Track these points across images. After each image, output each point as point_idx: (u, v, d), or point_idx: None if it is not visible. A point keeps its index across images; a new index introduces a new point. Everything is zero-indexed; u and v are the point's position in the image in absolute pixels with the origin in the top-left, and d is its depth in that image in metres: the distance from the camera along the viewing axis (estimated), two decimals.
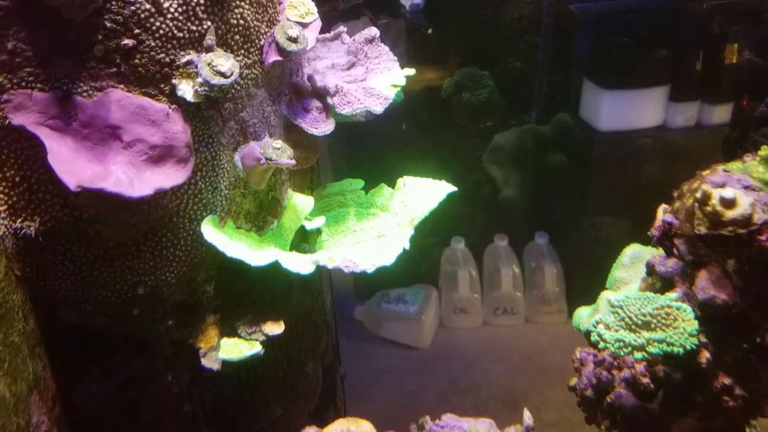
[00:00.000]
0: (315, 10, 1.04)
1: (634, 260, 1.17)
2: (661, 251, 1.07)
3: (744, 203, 0.90)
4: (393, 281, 2.50)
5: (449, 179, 1.19)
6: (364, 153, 2.36)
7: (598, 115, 2.23)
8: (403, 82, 1.10)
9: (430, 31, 2.43)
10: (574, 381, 1.12)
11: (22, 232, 0.86)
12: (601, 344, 0.97)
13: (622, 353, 0.96)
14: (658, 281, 1.05)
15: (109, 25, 0.82)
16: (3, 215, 0.84)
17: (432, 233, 2.53)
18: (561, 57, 2.42)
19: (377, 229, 1.11)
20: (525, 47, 2.43)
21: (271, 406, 1.16)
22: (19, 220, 0.85)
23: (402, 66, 1.17)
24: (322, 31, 1.14)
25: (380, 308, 2.41)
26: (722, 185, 0.93)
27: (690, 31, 2.10)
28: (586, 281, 1.52)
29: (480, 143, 2.52)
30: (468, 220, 2.51)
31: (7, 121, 0.81)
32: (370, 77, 1.10)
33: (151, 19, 0.85)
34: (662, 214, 1.04)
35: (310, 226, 1.09)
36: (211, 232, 0.95)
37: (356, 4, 1.93)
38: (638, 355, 0.95)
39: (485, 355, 2.31)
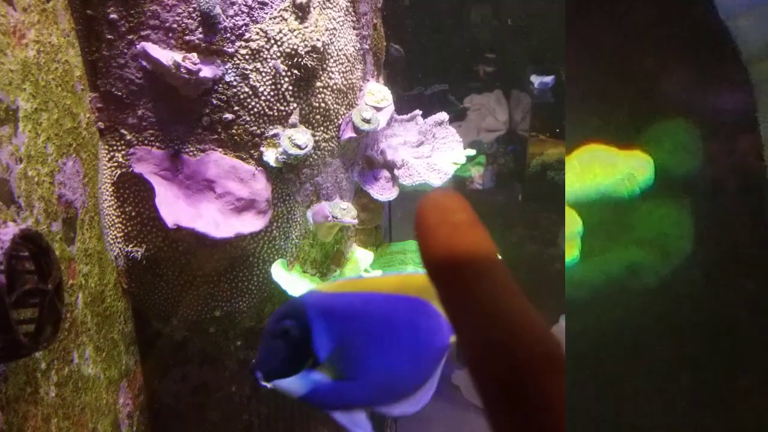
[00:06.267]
0: (390, 97, 1.21)
1: None
2: None
3: None
4: None
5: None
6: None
7: None
8: (463, 160, 1.23)
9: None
10: None
11: (131, 255, 1.10)
12: None
13: None
14: None
15: (215, 102, 1.05)
16: (119, 240, 1.10)
17: None
18: None
19: None
20: None
21: (318, 429, 1.32)
22: (130, 246, 1.10)
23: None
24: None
25: None
26: None
27: None
28: None
29: (560, 221, 2.51)
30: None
31: (131, 169, 1.06)
32: (434, 154, 1.24)
33: (248, 100, 1.07)
34: None
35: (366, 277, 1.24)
36: (279, 272, 1.14)
37: (442, 90, 2.07)
38: None
39: None
